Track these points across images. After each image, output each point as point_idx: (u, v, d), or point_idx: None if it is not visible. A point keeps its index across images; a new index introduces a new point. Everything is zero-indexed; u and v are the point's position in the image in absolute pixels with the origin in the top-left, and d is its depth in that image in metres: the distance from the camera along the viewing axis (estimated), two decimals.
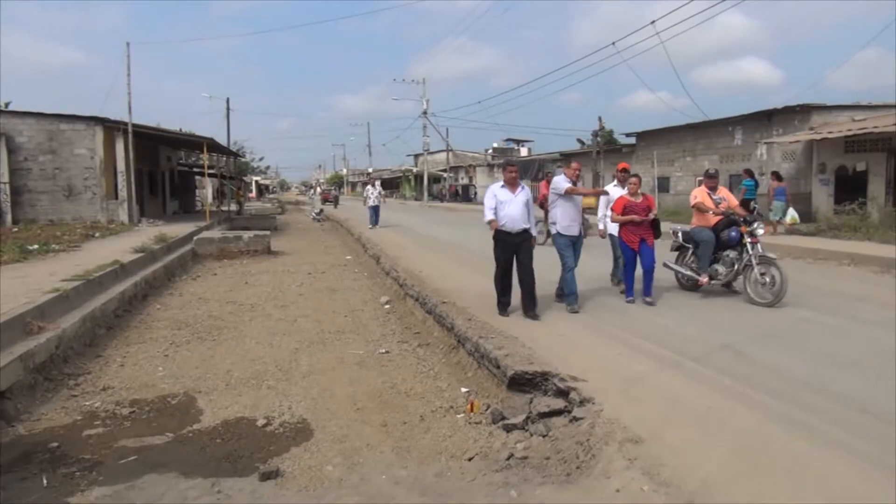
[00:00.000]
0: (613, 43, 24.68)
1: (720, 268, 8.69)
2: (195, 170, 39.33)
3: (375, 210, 23.46)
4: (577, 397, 4.76)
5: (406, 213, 34.40)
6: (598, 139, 33.90)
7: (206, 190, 42.18)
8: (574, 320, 7.45)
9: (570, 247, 7.88)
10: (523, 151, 57.42)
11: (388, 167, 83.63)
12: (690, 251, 9.12)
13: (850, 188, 18.64)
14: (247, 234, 17.24)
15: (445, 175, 58.27)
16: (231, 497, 3.91)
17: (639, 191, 8.41)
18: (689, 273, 9.00)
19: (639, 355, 5.94)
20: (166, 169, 31.70)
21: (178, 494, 3.92)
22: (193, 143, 29.37)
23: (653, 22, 19.35)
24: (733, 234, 8.57)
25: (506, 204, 7.36)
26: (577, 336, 6.70)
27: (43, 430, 5.10)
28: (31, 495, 3.95)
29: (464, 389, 5.96)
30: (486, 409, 5.34)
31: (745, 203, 20.88)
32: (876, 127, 17.27)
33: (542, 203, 12.17)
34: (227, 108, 43.16)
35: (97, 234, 17.29)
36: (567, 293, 7.87)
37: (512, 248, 7.40)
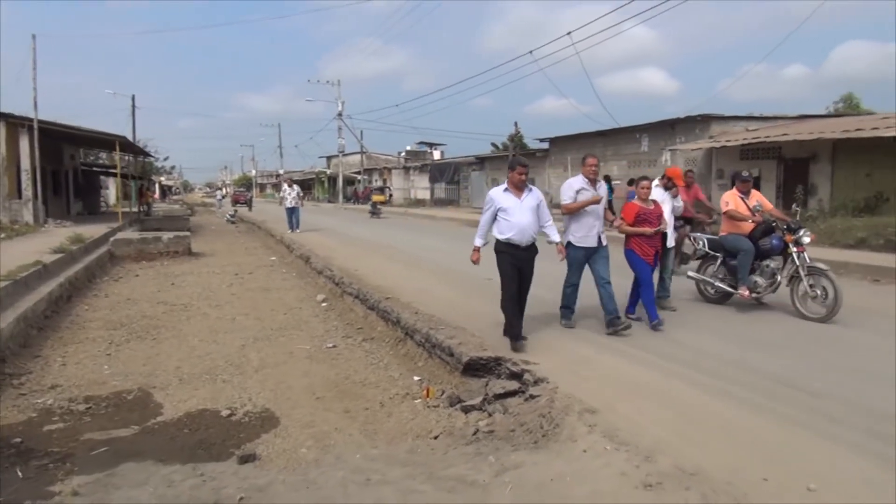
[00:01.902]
0: (531, 51, 25.57)
1: (759, 279, 7.83)
2: (96, 169, 37.67)
3: (294, 212, 21.82)
4: (531, 378, 5.17)
5: (323, 216, 34.26)
6: (514, 143, 34.88)
7: (110, 190, 40.42)
8: (594, 342, 6.44)
9: (583, 261, 6.81)
10: (436, 154, 58.04)
11: (300, 169, 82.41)
12: (719, 261, 8.25)
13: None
14: (166, 235, 16.82)
15: (359, 177, 58.16)
16: (216, 479, 4.05)
17: (650, 196, 7.34)
18: (721, 285, 8.15)
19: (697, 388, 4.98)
20: (69, 168, 30.19)
21: (163, 479, 4.03)
22: (104, 142, 28.15)
23: (569, 33, 20.30)
24: (775, 242, 7.76)
25: (512, 211, 6.16)
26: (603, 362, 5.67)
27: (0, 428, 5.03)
28: (9, 487, 3.96)
29: (416, 378, 6.27)
30: (442, 395, 5.68)
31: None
32: (767, 137, 18.85)
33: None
34: (133, 106, 41.53)
35: (2, 235, 16.40)
36: (561, 305, 7.10)
37: (520, 264, 6.25)
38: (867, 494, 3.26)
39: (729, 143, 20.15)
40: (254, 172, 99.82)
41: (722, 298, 8.22)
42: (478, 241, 6.40)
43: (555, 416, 4.31)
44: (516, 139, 36.35)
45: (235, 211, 36.59)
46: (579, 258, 6.81)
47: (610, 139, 27.42)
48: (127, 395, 5.84)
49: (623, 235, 7.23)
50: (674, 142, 23.33)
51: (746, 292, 7.81)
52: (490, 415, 5.02)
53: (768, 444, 3.89)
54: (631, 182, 6.96)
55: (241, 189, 76.45)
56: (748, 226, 7.97)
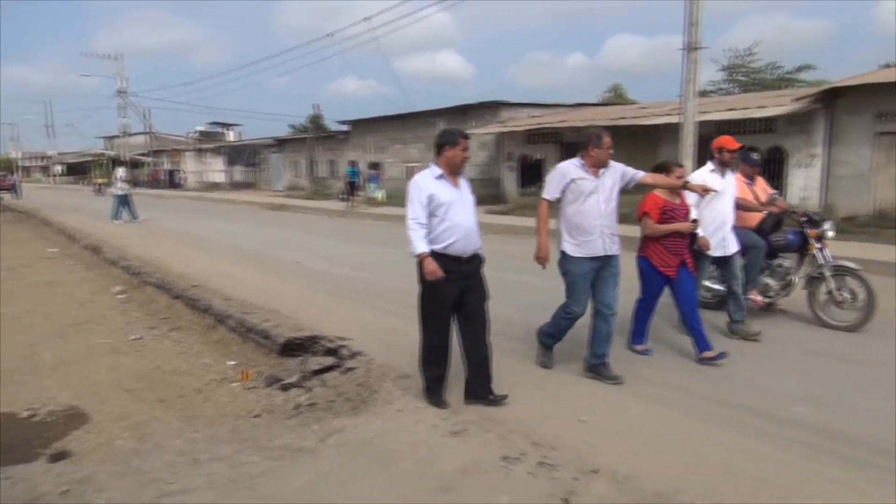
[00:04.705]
0: (331, 34, 25.55)
1: (770, 281, 6.63)
2: None
3: (125, 200, 19.26)
4: (348, 352, 5.53)
5: (102, 202, 31.49)
6: (314, 124, 34.65)
7: None
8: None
9: (588, 278, 4.81)
10: (231, 135, 55.70)
11: (75, 150, 74.49)
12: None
13: (532, 174, 22.15)
14: None
15: (147, 160, 54.06)
16: (27, 479, 3.91)
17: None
18: (720, 288, 6.56)
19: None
20: None
21: None
22: None
23: (367, 18, 20.62)
24: (791, 237, 6.55)
25: (450, 207, 4.22)
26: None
27: None
28: None
29: (231, 362, 6.34)
30: (260, 376, 5.84)
31: (351, 186, 24.94)
32: (550, 123, 20.82)
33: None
34: None
35: None
36: (547, 332, 5.15)
37: (459, 287, 4.28)
38: None
39: (516, 129, 21.90)
40: (16, 154, 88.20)
41: (720, 303, 6.53)
42: (423, 246, 4.18)
43: (372, 384, 4.71)
44: (316, 121, 36.07)
45: (1, 198, 32.32)
46: (584, 273, 4.80)
47: (409, 123, 28.33)
48: None
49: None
50: (467, 126, 24.72)
51: (759, 298, 6.56)
52: (309, 390, 5.29)
53: (554, 390, 4.63)
54: (659, 168, 5.25)
55: (3, 173, 67.24)
56: (755, 218, 6.50)
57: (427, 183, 4.28)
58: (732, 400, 4.43)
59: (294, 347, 5.95)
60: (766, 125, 15.69)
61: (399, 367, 5.01)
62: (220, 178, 45.79)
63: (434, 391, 4.39)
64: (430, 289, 4.22)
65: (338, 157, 32.90)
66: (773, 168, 15.41)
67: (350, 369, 5.26)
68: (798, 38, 64.15)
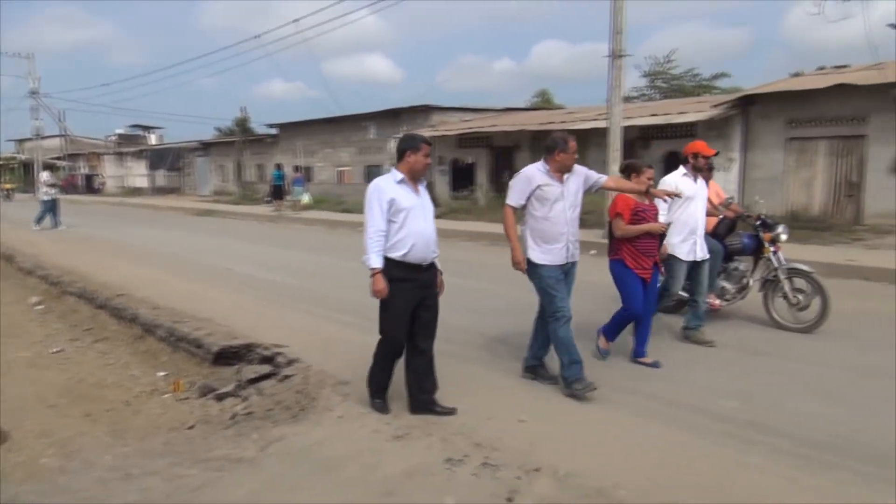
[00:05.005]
0: (259, 36, 25.10)
1: (727, 285, 6.68)
2: None
3: (51, 205, 18.39)
4: (284, 360, 5.45)
5: (20, 209, 29.90)
6: (241, 128, 33.93)
7: None
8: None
9: (562, 282, 4.69)
10: (153, 139, 53.81)
11: None
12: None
13: (463, 177, 22.34)
14: None
15: (63, 164, 51.57)
16: None
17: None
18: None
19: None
20: None
21: None
22: None
23: (296, 20, 20.37)
24: (746, 240, 6.64)
25: (410, 214, 4.12)
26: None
27: None
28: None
29: (161, 373, 6.14)
30: (192, 387, 5.68)
31: (277, 189, 24.87)
32: (480, 127, 21.07)
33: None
34: None
35: None
36: (567, 361, 4.58)
37: (418, 296, 4.20)
38: None
39: (449, 133, 22.03)
40: None
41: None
42: (377, 261, 4.06)
43: (311, 391, 4.66)
44: (243, 124, 35.27)
45: None
46: (557, 275, 4.66)
47: (339, 126, 28.09)
48: None
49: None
50: (399, 130, 24.72)
51: (717, 301, 6.59)
52: (246, 399, 5.18)
53: (493, 392, 4.69)
54: (628, 168, 5.28)
55: None
56: (710, 222, 6.52)
57: (388, 187, 4.15)
58: (667, 396, 4.58)
59: (228, 356, 5.82)
60: (687, 130, 16.34)
61: (338, 373, 4.97)
62: (141, 182, 44.18)
63: (380, 397, 4.35)
64: (389, 298, 4.11)
65: (266, 161, 32.28)
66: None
67: (287, 377, 5.18)
68: (714, 47, 67.15)
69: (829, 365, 5.29)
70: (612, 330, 5.31)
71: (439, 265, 4.37)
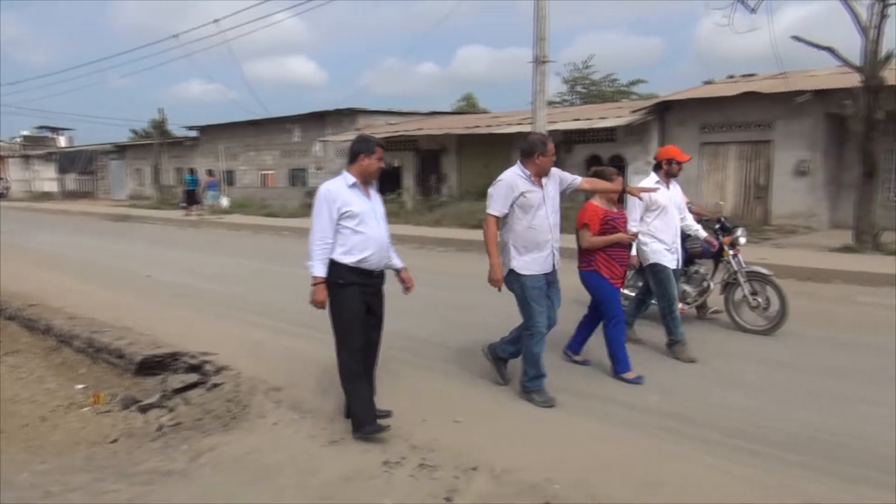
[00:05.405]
0: (177, 35, 24.30)
1: (688, 288, 6.65)
2: None
3: None
4: (213, 368, 5.30)
5: None
6: (158, 130, 32.80)
7: None
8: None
9: (544, 293, 4.51)
10: (62, 141, 51.23)
11: None
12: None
13: (389, 181, 22.27)
14: None
15: None
16: None
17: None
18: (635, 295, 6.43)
19: None
20: None
21: None
22: None
23: (216, 20, 19.85)
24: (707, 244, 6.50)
25: (364, 219, 3.95)
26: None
27: None
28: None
29: (79, 386, 5.87)
30: (114, 399, 5.46)
31: (190, 194, 24.56)
32: (407, 131, 21.10)
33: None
34: None
35: None
36: (533, 374, 4.51)
37: (371, 300, 4.07)
38: None
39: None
40: None
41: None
42: (320, 269, 3.88)
43: (242, 399, 4.56)
44: (161, 126, 34.08)
45: None
46: (541, 285, 4.48)
47: (262, 129, 27.57)
48: None
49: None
50: (324, 133, 24.49)
51: (680, 305, 6.19)
52: (172, 410, 5.02)
53: (426, 394, 4.72)
54: (597, 175, 5.09)
55: None
56: None
57: (341, 192, 3.93)
58: (595, 392, 4.72)
59: (152, 366, 5.62)
60: (608, 134, 16.90)
61: (270, 379, 4.89)
62: (51, 186, 41.99)
63: (368, 419, 3.93)
64: (342, 307, 3.92)
65: (186, 165, 31.24)
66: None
67: (217, 385, 5.05)
68: (630, 54, 69.49)
69: (749, 359, 5.55)
70: (619, 350, 4.97)
71: (401, 262, 4.28)
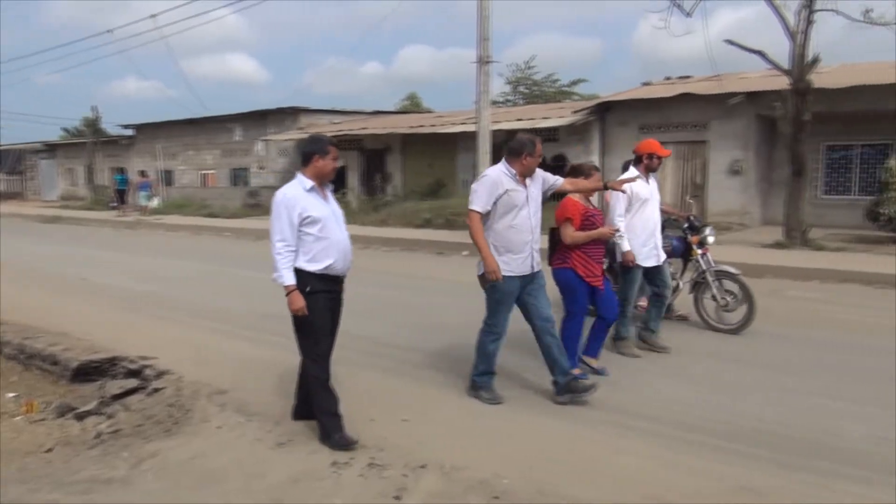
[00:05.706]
0: (111, 31, 23.54)
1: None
2: None
3: None
4: (153, 372, 5.17)
5: None
6: (92, 128, 31.67)
7: None
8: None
9: (515, 295, 4.47)
10: None
11: None
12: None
13: (334, 181, 22.07)
14: None
15: None
16: None
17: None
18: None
19: None
20: None
21: None
22: None
23: (153, 16, 19.30)
24: (675, 243, 6.52)
25: (325, 223, 3.82)
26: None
27: None
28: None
29: (11, 394, 5.63)
30: (48, 407, 5.26)
31: (121, 194, 24.23)
32: (351, 130, 20.95)
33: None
34: None
35: None
36: (483, 370, 4.58)
37: (335, 307, 3.99)
38: None
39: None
40: None
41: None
42: (290, 278, 3.73)
43: (184, 403, 4.46)
44: (94, 124, 32.89)
45: None
46: (514, 290, 4.44)
47: (202, 127, 26.93)
48: None
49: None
50: (266, 132, 24.09)
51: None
52: (111, 416, 4.85)
53: (372, 393, 4.71)
54: (574, 171, 5.10)
55: None
56: None
57: (299, 198, 3.76)
58: (541, 388, 4.76)
59: (89, 372, 5.43)
60: (551, 134, 17.14)
61: (213, 383, 4.80)
62: None
63: (337, 427, 3.84)
64: (311, 315, 3.77)
65: (122, 164, 30.31)
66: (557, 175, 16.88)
67: (157, 390, 4.92)
68: (571, 55, 70.40)
69: (692, 353, 5.72)
70: (571, 347, 4.83)
71: None
